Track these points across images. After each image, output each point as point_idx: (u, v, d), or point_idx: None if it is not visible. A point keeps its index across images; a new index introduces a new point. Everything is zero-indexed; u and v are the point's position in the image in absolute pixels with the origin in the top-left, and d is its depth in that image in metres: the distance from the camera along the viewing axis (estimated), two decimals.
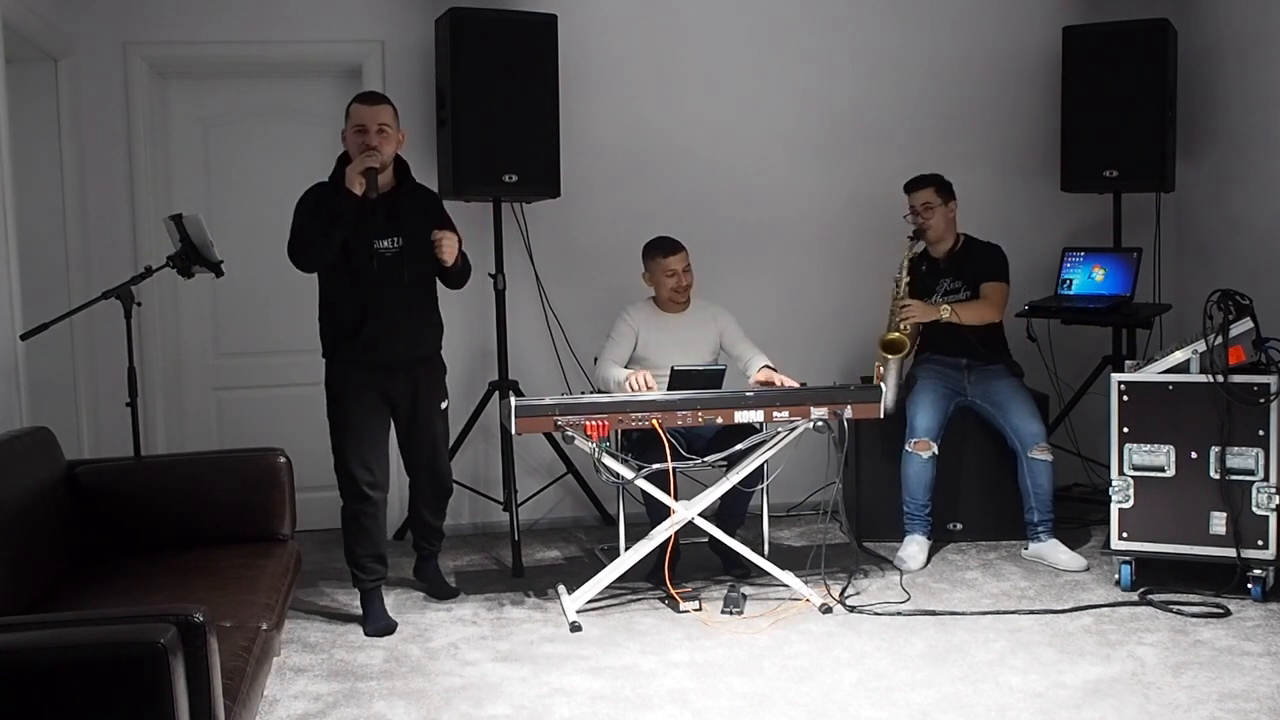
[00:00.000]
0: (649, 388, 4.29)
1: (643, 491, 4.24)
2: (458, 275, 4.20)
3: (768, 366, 4.54)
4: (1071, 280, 5.25)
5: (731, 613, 4.15)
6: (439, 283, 4.25)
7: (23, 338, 3.93)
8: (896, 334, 4.70)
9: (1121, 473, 4.29)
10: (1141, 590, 4.26)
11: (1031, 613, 4.12)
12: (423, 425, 4.21)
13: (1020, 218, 5.60)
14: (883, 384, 4.63)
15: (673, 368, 4.37)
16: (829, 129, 5.61)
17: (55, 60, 4.83)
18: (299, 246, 3.95)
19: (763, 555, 4.39)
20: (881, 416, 4.37)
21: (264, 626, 3.03)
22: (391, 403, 4.13)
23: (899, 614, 4.13)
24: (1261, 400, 4.07)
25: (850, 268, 5.62)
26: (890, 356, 4.71)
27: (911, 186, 4.91)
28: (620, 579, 4.26)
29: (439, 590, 4.44)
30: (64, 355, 4.83)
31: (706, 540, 4.52)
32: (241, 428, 5.26)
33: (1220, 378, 4.10)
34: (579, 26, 5.28)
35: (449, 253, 4.04)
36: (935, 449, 4.71)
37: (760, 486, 4.42)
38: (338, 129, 4.17)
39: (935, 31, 5.66)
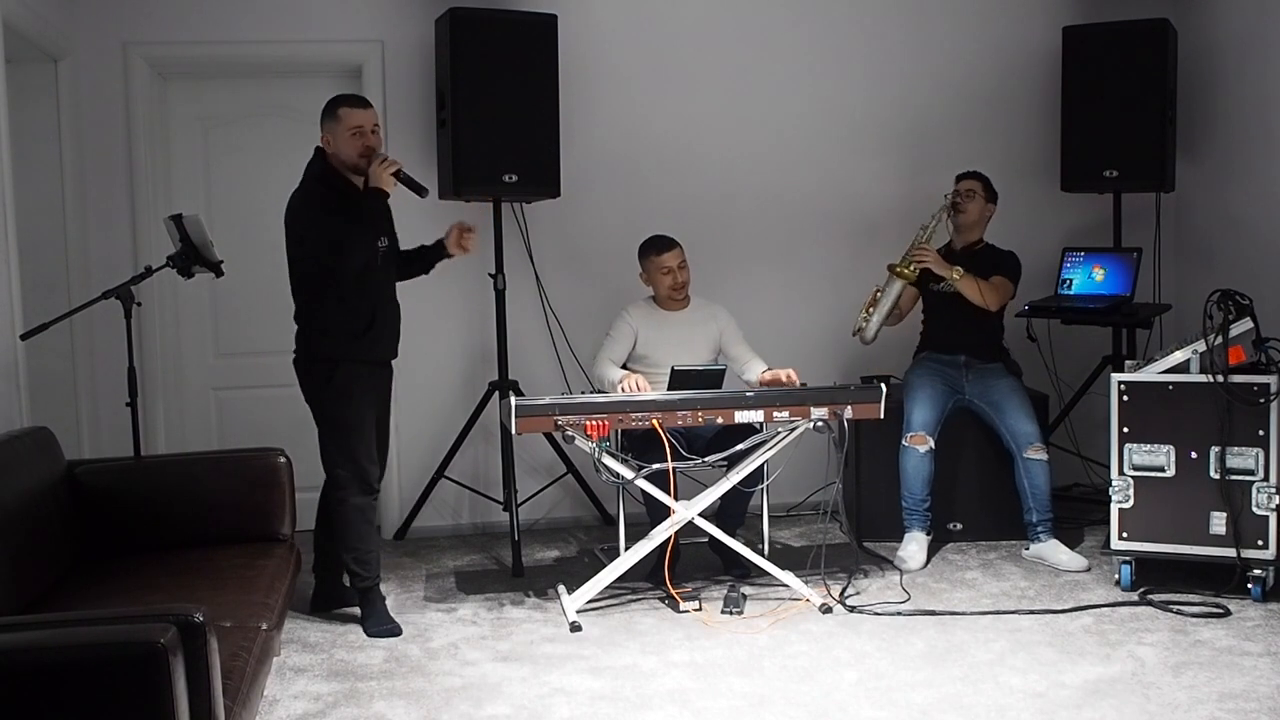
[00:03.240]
0: (643, 390, 4.29)
1: (643, 491, 4.24)
2: (426, 271, 4.39)
3: (769, 369, 4.55)
4: (1071, 280, 5.25)
5: (731, 613, 4.15)
6: None
7: (23, 338, 3.93)
8: (905, 272, 4.77)
9: (1121, 473, 4.29)
10: (1141, 590, 4.26)
11: (1031, 613, 4.12)
12: (386, 422, 4.27)
13: (1020, 218, 5.59)
14: (871, 309, 4.80)
15: (672, 367, 4.37)
16: (828, 129, 5.61)
17: (55, 60, 4.83)
18: (350, 246, 3.91)
19: (763, 555, 4.39)
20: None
21: (264, 626, 3.03)
22: (380, 400, 4.19)
23: (899, 614, 4.13)
24: (1261, 400, 4.07)
25: (850, 268, 5.61)
26: (897, 279, 4.78)
27: (964, 175, 4.96)
28: (620, 579, 4.26)
29: (352, 597, 4.24)
30: (64, 355, 4.83)
31: (706, 540, 4.52)
32: (241, 428, 5.26)
33: (1220, 378, 4.10)
34: (579, 26, 5.28)
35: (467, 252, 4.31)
36: (931, 443, 4.72)
37: (760, 486, 4.42)
38: None
39: (935, 32, 5.66)
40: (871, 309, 4.85)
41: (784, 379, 4.44)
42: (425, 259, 4.34)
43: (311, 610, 4.30)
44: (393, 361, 4.26)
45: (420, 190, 4.03)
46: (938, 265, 4.74)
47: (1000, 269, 4.86)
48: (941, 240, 4.95)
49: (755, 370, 4.62)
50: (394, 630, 4.03)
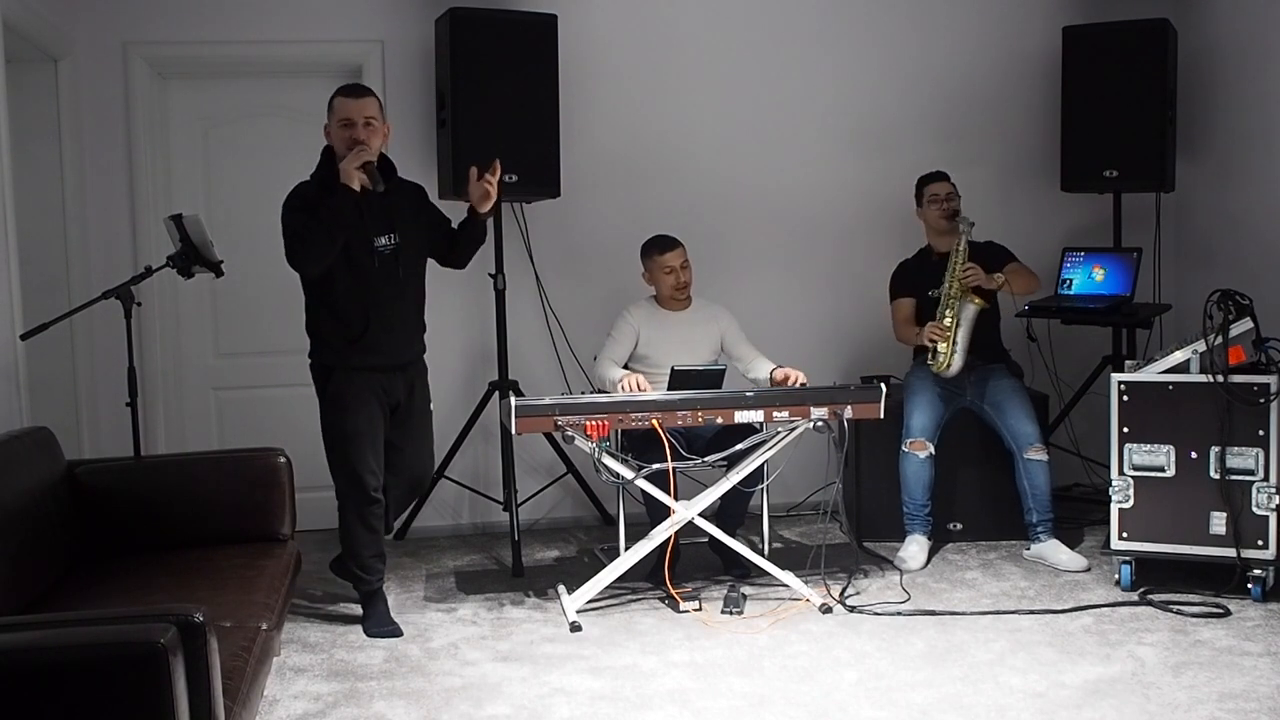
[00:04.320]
0: (643, 389, 4.29)
1: (643, 491, 4.24)
2: (480, 238, 4.16)
3: (779, 368, 4.53)
4: (1071, 280, 5.25)
5: (731, 613, 4.15)
6: (439, 265, 4.25)
7: (23, 338, 3.93)
8: (978, 301, 4.67)
9: (1121, 473, 4.29)
10: (1141, 590, 4.26)
11: (1031, 613, 4.12)
12: (416, 426, 4.20)
13: (1020, 218, 5.61)
14: (947, 344, 4.66)
15: (673, 368, 4.37)
16: (828, 129, 5.62)
17: (55, 60, 4.83)
18: (300, 247, 3.82)
19: (763, 555, 4.39)
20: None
21: (264, 626, 3.03)
22: (390, 405, 4.09)
23: (899, 614, 4.13)
24: (1261, 400, 4.07)
25: (849, 268, 5.62)
26: (971, 306, 4.65)
27: (936, 178, 4.93)
28: (620, 579, 4.26)
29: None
30: (64, 355, 4.83)
31: (706, 540, 4.52)
32: (241, 428, 5.26)
33: (1220, 378, 4.10)
34: (579, 26, 5.29)
35: (491, 198, 4.00)
36: (931, 449, 4.72)
37: (760, 486, 4.42)
38: None
39: (935, 32, 5.66)
40: (947, 344, 4.67)
41: (794, 380, 4.41)
42: (471, 227, 4.11)
43: (329, 568, 4.38)
44: (424, 356, 4.20)
45: (374, 186, 3.85)
46: (985, 280, 4.69)
47: (1000, 257, 4.86)
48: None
49: (761, 369, 4.61)
50: (394, 632, 4.02)
